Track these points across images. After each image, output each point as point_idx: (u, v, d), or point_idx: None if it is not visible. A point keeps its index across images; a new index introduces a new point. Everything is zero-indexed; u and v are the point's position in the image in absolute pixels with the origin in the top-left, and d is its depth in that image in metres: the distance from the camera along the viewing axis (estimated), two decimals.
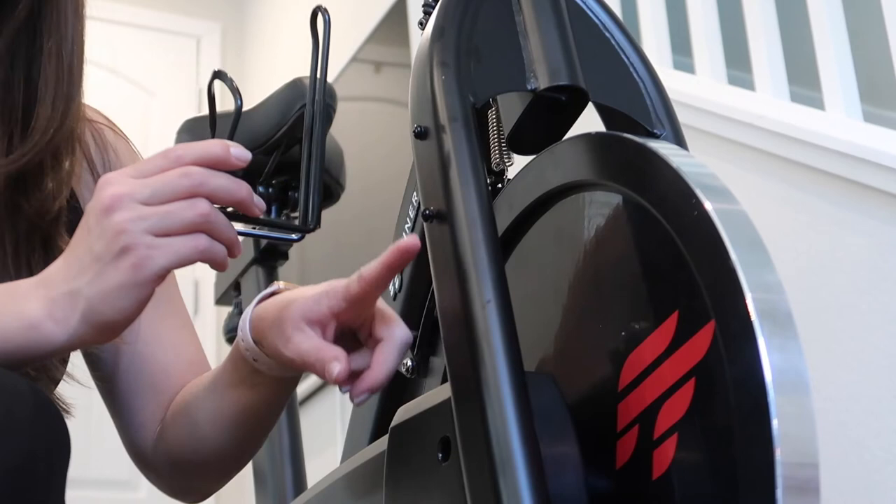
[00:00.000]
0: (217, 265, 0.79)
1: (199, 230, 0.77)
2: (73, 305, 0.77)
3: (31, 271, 0.95)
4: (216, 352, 4.02)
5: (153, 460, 1.05)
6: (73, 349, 0.82)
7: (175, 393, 1.05)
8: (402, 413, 0.90)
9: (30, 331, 0.77)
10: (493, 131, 1.05)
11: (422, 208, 0.84)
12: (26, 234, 0.97)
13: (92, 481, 3.88)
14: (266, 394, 0.95)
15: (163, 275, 0.76)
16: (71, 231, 0.93)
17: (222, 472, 1.05)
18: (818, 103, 1.86)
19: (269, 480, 1.65)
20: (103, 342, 0.81)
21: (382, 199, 2.78)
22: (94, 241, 0.76)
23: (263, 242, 1.75)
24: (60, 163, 1.00)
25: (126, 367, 1.05)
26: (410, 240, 0.81)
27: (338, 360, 0.81)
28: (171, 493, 1.08)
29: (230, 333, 1.80)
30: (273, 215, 1.74)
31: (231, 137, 0.81)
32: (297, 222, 0.87)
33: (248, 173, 1.76)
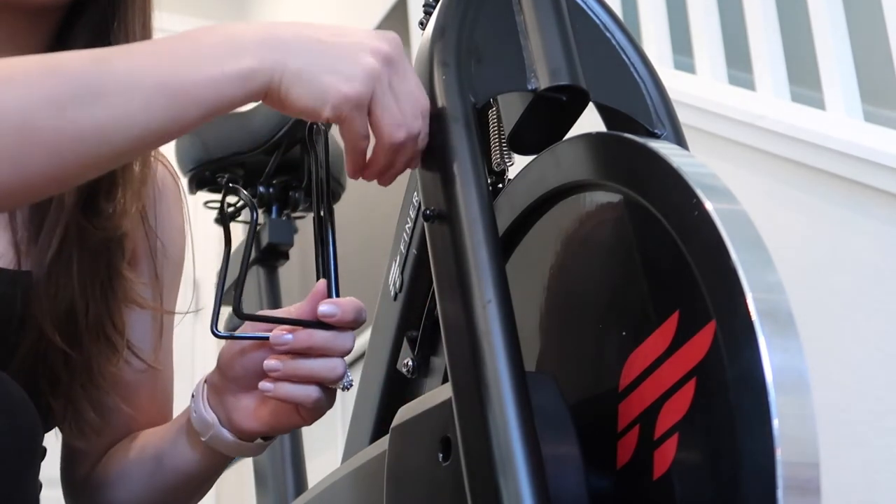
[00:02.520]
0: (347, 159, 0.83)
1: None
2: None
3: (94, 295, 0.97)
4: (217, 348, 4.01)
5: (82, 490, 1.06)
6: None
7: (123, 435, 1.06)
8: (403, 413, 0.90)
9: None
10: (494, 131, 1.05)
11: (422, 208, 0.84)
12: (92, 257, 0.97)
13: None
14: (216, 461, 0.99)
15: (330, 114, 0.78)
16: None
17: None
18: (819, 103, 1.86)
19: (270, 480, 1.65)
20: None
21: (383, 200, 2.78)
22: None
23: (264, 242, 1.75)
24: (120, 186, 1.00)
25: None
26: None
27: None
28: None
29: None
30: (273, 215, 1.74)
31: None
32: None
33: (248, 173, 1.76)
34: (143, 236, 1.04)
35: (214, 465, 0.99)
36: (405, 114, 0.81)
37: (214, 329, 0.86)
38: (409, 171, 0.88)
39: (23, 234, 0.95)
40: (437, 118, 0.84)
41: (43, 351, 0.93)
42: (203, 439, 0.95)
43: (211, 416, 0.94)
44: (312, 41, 0.79)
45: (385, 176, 0.85)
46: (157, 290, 1.06)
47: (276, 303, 1.75)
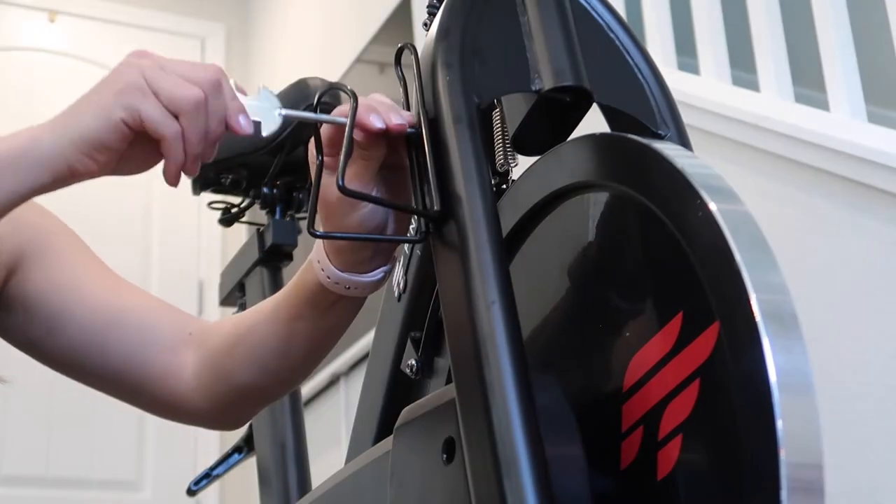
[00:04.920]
0: (168, 161, 0.84)
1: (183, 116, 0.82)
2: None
3: None
4: None
5: (190, 400, 1.07)
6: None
7: (171, 333, 1.08)
8: (407, 414, 0.90)
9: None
10: (498, 132, 1.05)
11: (426, 209, 0.84)
12: None
13: (96, 482, 3.89)
14: (341, 317, 0.99)
15: (128, 120, 0.82)
16: None
17: (277, 396, 1.09)
18: (823, 104, 1.85)
19: (274, 481, 1.65)
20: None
21: None
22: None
23: (268, 243, 1.74)
24: None
25: (101, 342, 1.07)
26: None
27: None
28: (215, 425, 1.12)
29: None
30: (277, 216, 1.74)
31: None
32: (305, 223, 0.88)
33: (252, 174, 1.76)
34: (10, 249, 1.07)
35: (342, 312, 1.00)
36: (185, 74, 0.83)
37: (312, 230, 0.84)
38: (411, 171, 0.88)
39: None
40: (440, 119, 0.84)
41: None
42: (344, 292, 0.95)
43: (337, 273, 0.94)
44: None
45: (208, 148, 0.85)
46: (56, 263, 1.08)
47: None
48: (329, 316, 0.99)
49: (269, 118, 0.87)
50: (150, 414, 1.13)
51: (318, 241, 0.95)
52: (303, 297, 0.98)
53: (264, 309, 1.03)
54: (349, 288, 0.95)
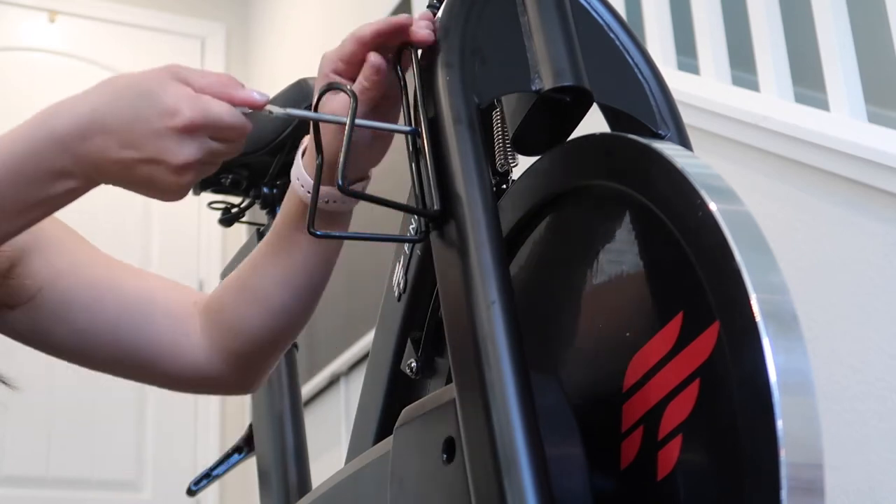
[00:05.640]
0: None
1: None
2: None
3: None
4: None
5: (205, 366, 1.09)
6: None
7: (176, 305, 1.10)
8: (407, 414, 0.90)
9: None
10: (498, 132, 1.05)
11: (427, 209, 0.84)
12: None
13: (96, 482, 3.89)
14: (328, 245, 1.02)
15: None
16: None
17: (287, 339, 1.10)
18: (823, 104, 1.85)
19: (274, 481, 1.65)
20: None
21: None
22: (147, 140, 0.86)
23: None
24: None
25: (110, 323, 1.08)
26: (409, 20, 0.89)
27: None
28: (232, 388, 1.13)
29: None
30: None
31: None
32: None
33: (252, 174, 1.76)
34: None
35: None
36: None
37: (312, 229, 0.85)
38: (409, 172, 0.88)
39: None
40: (440, 119, 0.84)
41: None
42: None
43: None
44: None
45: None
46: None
47: None
48: (318, 240, 1.00)
49: (274, 109, 0.90)
50: (169, 389, 1.15)
51: (298, 158, 0.99)
52: (290, 222, 1.01)
53: (259, 252, 1.05)
54: (328, 202, 0.96)
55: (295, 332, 1.09)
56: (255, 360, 1.10)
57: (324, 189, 0.94)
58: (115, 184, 0.91)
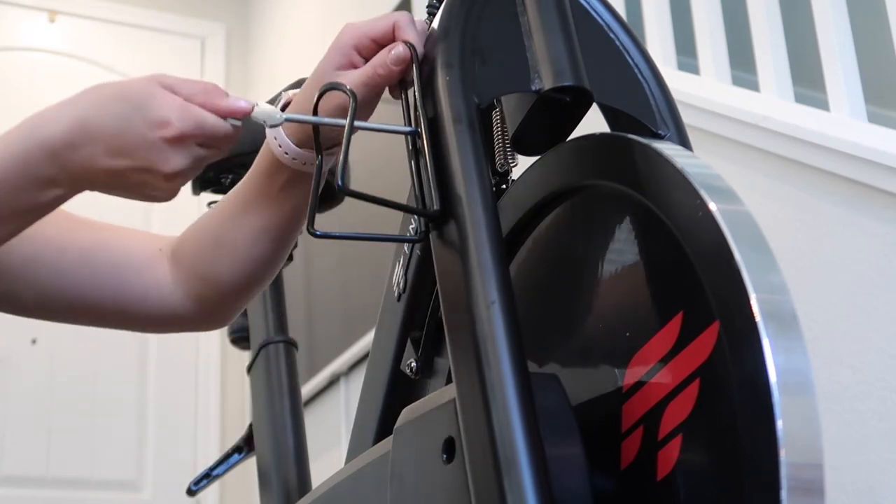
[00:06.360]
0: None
1: None
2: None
3: None
4: (220, 349, 4.02)
5: (177, 309, 1.11)
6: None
7: (141, 252, 1.11)
8: (407, 414, 0.90)
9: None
10: (498, 132, 1.05)
11: (426, 209, 0.84)
12: None
13: (96, 482, 3.89)
14: (301, 197, 1.02)
15: None
16: None
17: (262, 284, 1.11)
18: (823, 104, 1.85)
19: (274, 481, 1.65)
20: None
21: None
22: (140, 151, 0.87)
23: None
24: None
25: (75, 278, 1.08)
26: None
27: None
28: (203, 327, 1.15)
29: (234, 334, 1.80)
30: None
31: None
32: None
33: None
34: None
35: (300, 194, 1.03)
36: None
37: (311, 229, 0.86)
38: (410, 172, 0.88)
39: None
40: (440, 119, 0.84)
41: None
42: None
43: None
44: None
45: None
46: None
47: (280, 304, 1.75)
48: (291, 195, 1.02)
49: (272, 118, 0.90)
50: (140, 332, 1.17)
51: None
52: (263, 178, 1.02)
53: (231, 205, 1.07)
54: (305, 164, 0.98)
55: (269, 277, 1.11)
56: (228, 303, 1.12)
57: (303, 151, 0.96)
58: (102, 190, 0.92)
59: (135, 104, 0.88)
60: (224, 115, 0.89)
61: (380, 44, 0.93)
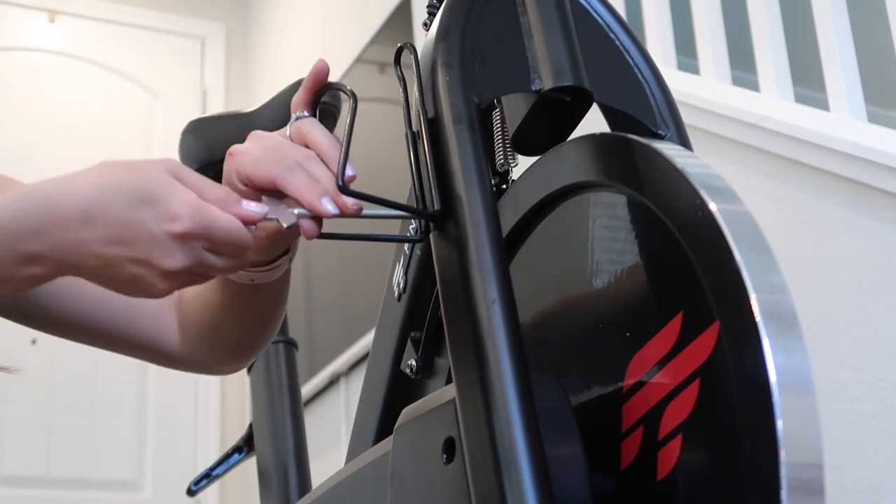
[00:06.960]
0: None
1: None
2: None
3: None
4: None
5: (184, 357, 1.12)
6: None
7: (153, 300, 1.11)
8: (407, 414, 0.90)
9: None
10: (498, 132, 1.05)
11: (426, 209, 0.84)
12: None
13: (96, 482, 3.89)
14: (271, 294, 1.03)
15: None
16: None
17: (266, 342, 1.12)
18: (823, 104, 1.85)
19: (274, 481, 1.65)
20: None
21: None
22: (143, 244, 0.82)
23: None
24: None
25: (89, 311, 1.10)
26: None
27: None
28: (218, 372, 1.18)
29: None
30: None
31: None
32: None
33: None
34: None
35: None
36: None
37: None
38: (410, 172, 0.88)
39: None
40: (440, 119, 0.84)
41: None
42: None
43: None
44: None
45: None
46: None
47: None
48: (260, 298, 1.03)
49: (285, 216, 0.85)
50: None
51: None
52: (225, 291, 1.03)
53: (216, 301, 1.07)
54: (254, 280, 0.99)
55: (271, 336, 1.12)
56: (236, 358, 1.13)
57: (247, 272, 0.97)
58: (88, 277, 0.85)
59: (146, 195, 0.81)
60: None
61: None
